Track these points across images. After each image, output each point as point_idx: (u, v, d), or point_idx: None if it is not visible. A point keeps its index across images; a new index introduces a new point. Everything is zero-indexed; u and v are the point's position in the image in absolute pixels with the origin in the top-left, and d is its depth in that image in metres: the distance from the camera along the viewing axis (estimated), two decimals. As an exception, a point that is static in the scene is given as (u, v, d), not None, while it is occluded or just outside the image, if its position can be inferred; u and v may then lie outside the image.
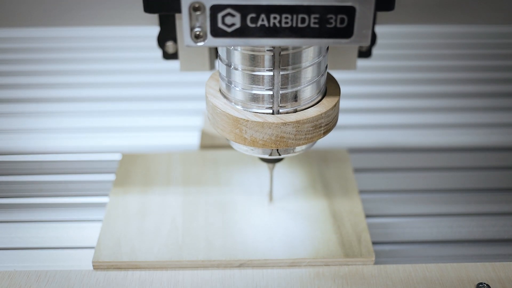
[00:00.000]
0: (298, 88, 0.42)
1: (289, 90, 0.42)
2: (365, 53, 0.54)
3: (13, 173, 0.61)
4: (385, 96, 0.75)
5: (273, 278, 0.48)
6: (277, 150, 0.45)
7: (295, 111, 0.43)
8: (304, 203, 0.55)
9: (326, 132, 0.44)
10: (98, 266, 0.49)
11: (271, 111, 0.42)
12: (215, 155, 0.61)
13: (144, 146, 0.65)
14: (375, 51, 0.82)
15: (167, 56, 0.53)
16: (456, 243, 0.52)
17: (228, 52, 0.42)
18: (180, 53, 0.53)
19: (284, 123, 0.42)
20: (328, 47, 0.43)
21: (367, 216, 0.55)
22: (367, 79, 0.78)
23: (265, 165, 0.60)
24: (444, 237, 0.53)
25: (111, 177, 0.59)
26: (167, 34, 0.52)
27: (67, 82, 0.78)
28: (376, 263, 0.50)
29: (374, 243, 0.52)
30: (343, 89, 0.76)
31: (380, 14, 0.52)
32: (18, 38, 0.89)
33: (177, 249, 0.50)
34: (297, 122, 0.42)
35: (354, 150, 0.64)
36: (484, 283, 0.47)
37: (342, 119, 0.70)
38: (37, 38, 0.89)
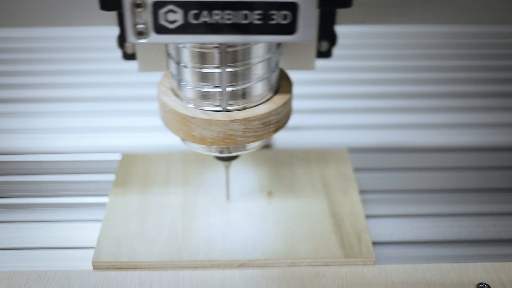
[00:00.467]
0: (247, 85, 0.42)
1: (237, 88, 0.42)
2: (325, 53, 0.53)
3: (13, 173, 0.61)
4: (385, 96, 0.74)
5: (273, 278, 0.48)
6: (228, 147, 0.45)
7: (244, 108, 0.43)
8: (304, 203, 0.55)
9: (277, 129, 0.44)
10: (98, 266, 0.49)
11: (220, 108, 0.42)
12: (215, 155, 0.61)
13: (144, 146, 0.65)
14: (377, 51, 0.82)
15: (127, 56, 0.53)
16: (456, 243, 0.52)
17: (177, 50, 0.42)
18: (138, 54, 0.52)
19: (232, 120, 0.41)
20: (279, 44, 0.43)
21: (367, 216, 0.55)
22: (368, 79, 0.78)
23: (265, 165, 0.60)
24: (444, 237, 0.53)
25: (111, 177, 0.59)
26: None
27: (67, 82, 0.78)
28: (376, 263, 0.50)
29: (374, 243, 0.52)
30: (343, 88, 0.76)
31: (348, 13, 0.51)
32: (18, 38, 0.89)
33: (177, 249, 0.50)
34: (245, 119, 0.42)
35: (354, 150, 0.64)
36: (485, 283, 0.47)
37: (342, 119, 0.70)
38: (37, 38, 0.89)
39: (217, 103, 0.42)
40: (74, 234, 0.53)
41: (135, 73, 0.80)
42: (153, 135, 0.67)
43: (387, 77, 0.79)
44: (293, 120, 0.70)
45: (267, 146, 0.64)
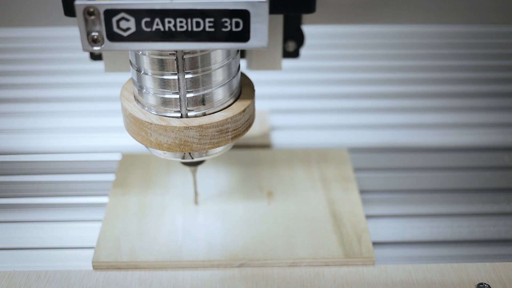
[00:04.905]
0: (206, 91, 0.42)
1: (196, 94, 0.42)
2: (292, 54, 0.53)
3: (13, 173, 0.61)
4: (385, 96, 0.75)
5: (273, 278, 0.48)
6: (190, 153, 0.45)
7: (204, 114, 0.43)
8: (304, 203, 0.55)
9: (235, 137, 0.44)
10: (98, 266, 0.49)
11: (179, 114, 0.42)
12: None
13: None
14: (377, 51, 0.83)
15: (94, 57, 0.53)
16: (456, 243, 0.52)
17: (136, 57, 0.42)
18: (104, 54, 0.52)
19: (186, 127, 0.41)
20: (238, 50, 0.43)
21: (367, 216, 0.55)
22: (368, 79, 0.78)
23: (265, 165, 0.60)
24: (444, 237, 0.53)
25: (111, 177, 0.59)
26: None
27: (67, 82, 0.78)
28: (376, 263, 0.50)
29: (374, 243, 0.52)
30: (343, 88, 0.76)
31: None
32: (18, 38, 0.89)
33: (177, 249, 0.50)
34: (200, 126, 0.42)
35: (354, 150, 0.64)
36: (485, 283, 0.47)
37: (342, 119, 0.70)
38: (37, 38, 0.89)
39: (177, 109, 0.42)
40: (74, 234, 0.53)
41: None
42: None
43: (387, 77, 0.79)
44: (293, 120, 0.70)
45: (267, 146, 0.64)
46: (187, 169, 0.59)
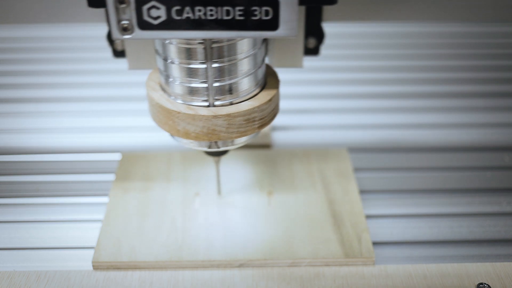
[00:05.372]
0: (233, 80, 0.42)
1: (223, 83, 0.42)
2: (312, 50, 0.53)
3: (13, 173, 0.61)
4: (385, 96, 0.74)
5: (273, 278, 0.48)
6: (216, 142, 0.45)
7: (231, 103, 0.43)
8: (304, 203, 0.55)
9: (262, 126, 0.44)
10: (97, 266, 0.49)
11: (207, 103, 0.43)
12: (215, 155, 0.61)
13: (144, 146, 0.65)
14: (377, 51, 0.83)
15: (117, 53, 0.53)
16: (456, 243, 0.52)
17: (163, 46, 0.42)
18: (127, 51, 0.52)
19: (215, 116, 0.42)
20: (264, 39, 0.43)
21: (367, 216, 0.55)
22: (368, 79, 0.78)
23: (265, 165, 0.60)
24: (444, 237, 0.53)
25: (111, 177, 0.59)
26: None
27: (67, 82, 0.78)
28: (376, 263, 0.50)
29: (374, 243, 0.52)
30: (343, 88, 0.76)
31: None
32: (18, 38, 0.89)
33: (177, 249, 0.50)
34: (228, 115, 0.42)
35: (354, 150, 0.64)
36: (485, 283, 0.47)
37: (342, 119, 0.70)
38: (37, 38, 0.89)
39: (204, 98, 0.43)
40: (74, 234, 0.53)
41: (135, 73, 0.80)
42: (153, 135, 0.67)
43: (386, 77, 0.79)
44: (293, 120, 0.70)
45: (267, 146, 0.64)
46: (187, 169, 0.59)
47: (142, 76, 0.78)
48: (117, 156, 0.62)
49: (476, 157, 0.63)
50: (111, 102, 0.74)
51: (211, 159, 0.60)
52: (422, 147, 0.65)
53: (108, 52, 0.84)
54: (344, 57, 0.84)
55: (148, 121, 0.70)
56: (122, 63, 0.82)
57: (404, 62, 0.83)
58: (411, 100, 0.74)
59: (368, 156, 0.63)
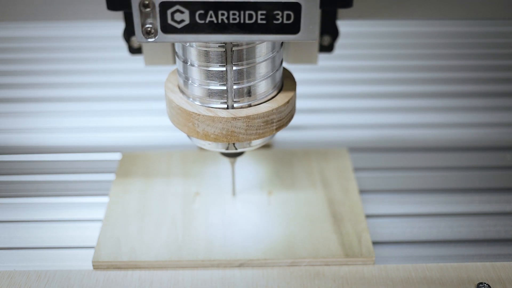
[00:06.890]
0: (252, 83, 0.43)
1: (243, 86, 0.43)
2: (327, 48, 0.54)
3: (13, 173, 0.61)
4: (385, 96, 0.74)
5: (273, 278, 0.48)
6: (234, 144, 0.46)
7: (250, 106, 0.43)
8: (304, 203, 0.55)
9: (279, 128, 0.45)
10: (98, 266, 0.49)
11: (226, 106, 0.43)
12: (215, 154, 0.61)
13: (144, 145, 0.65)
14: (377, 51, 0.82)
15: (133, 50, 0.53)
16: (456, 243, 0.52)
17: (183, 49, 0.43)
18: (144, 48, 0.53)
19: (234, 118, 0.42)
20: (282, 42, 0.44)
21: (367, 216, 0.55)
22: (368, 79, 0.78)
23: (265, 165, 0.60)
24: (444, 237, 0.53)
25: (111, 177, 0.59)
26: (132, 29, 0.52)
27: (67, 82, 0.78)
28: (376, 263, 0.50)
29: (374, 243, 0.52)
30: (343, 88, 0.76)
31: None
32: (18, 38, 0.89)
33: (177, 249, 0.50)
34: (248, 117, 0.42)
35: (354, 150, 0.64)
36: (485, 283, 0.47)
37: (342, 119, 0.70)
38: (37, 38, 0.89)
39: (223, 100, 0.43)
40: (74, 234, 0.53)
41: (135, 72, 0.80)
42: (153, 135, 0.67)
43: (387, 77, 0.79)
44: (293, 120, 0.70)
45: (267, 146, 0.64)
46: (187, 168, 0.59)
47: (142, 76, 0.79)
48: (117, 156, 0.62)
49: (476, 156, 0.63)
50: (111, 101, 0.74)
51: (211, 159, 0.60)
52: (422, 147, 0.65)
53: (108, 52, 0.85)
54: (344, 57, 0.84)
55: (149, 120, 0.70)
56: (122, 63, 0.82)
57: (404, 62, 0.83)
58: (411, 100, 0.74)
59: (368, 156, 0.63)
